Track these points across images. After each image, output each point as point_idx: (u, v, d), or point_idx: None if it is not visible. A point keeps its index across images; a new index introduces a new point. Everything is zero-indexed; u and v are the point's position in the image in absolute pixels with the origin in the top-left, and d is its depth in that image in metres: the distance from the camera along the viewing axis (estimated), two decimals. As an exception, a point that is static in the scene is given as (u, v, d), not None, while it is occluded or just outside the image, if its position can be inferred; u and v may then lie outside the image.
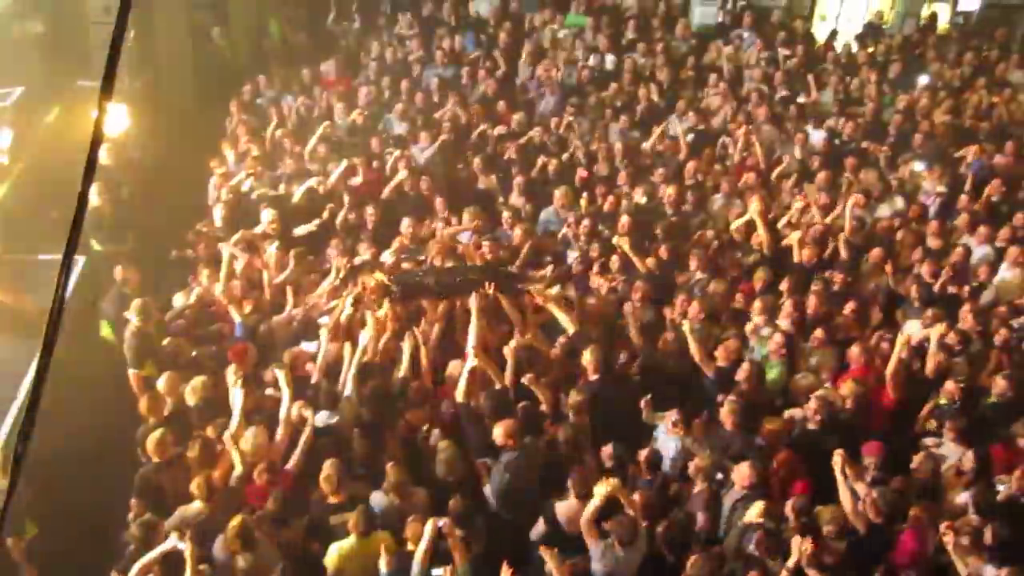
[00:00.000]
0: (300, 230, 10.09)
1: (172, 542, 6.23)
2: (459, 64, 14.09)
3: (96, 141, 2.70)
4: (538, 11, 15.57)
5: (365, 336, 8.07)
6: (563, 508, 6.87)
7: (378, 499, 6.93)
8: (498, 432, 7.12)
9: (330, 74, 13.77)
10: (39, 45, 13.12)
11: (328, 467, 6.86)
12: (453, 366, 8.10)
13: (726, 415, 7.58)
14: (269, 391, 7.80)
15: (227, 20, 15.13)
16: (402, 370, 7.99)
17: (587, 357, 8.04)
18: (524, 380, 7.64)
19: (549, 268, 9.40)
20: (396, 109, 12.78)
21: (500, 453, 7.19)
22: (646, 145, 12.16)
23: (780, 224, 10.40)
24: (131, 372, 8.35)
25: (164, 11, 13.83)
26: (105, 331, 9.29)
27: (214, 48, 14.60)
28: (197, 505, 6.76)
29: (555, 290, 8.89)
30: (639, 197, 10.84)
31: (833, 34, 15.89)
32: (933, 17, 16.80)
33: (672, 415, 7.53)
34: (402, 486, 6.94)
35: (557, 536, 6.75)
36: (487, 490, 7.23)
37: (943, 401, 7.98)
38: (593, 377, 8.02)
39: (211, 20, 14.92)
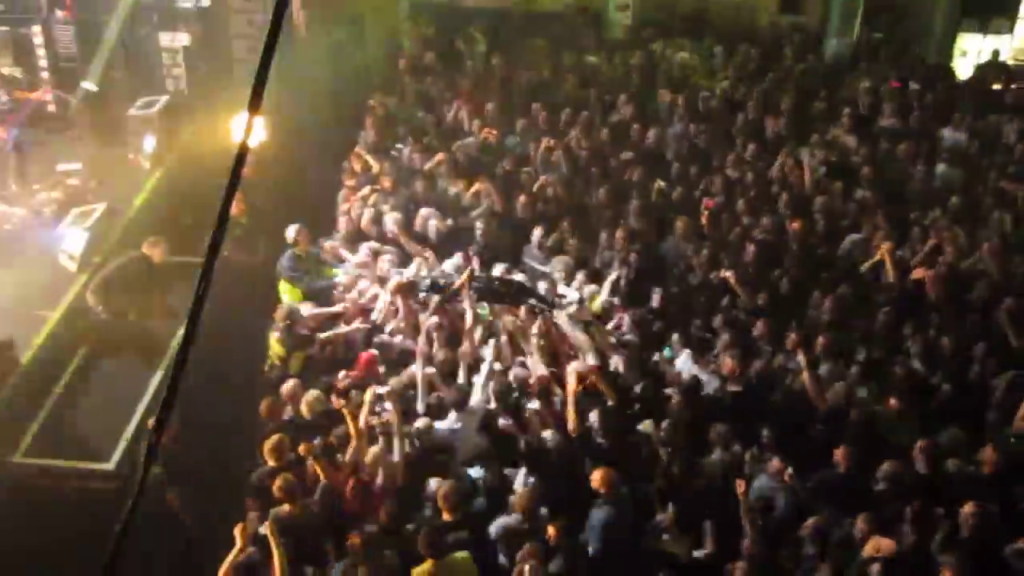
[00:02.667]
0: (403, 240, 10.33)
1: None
2: (589, 87, 14.04)
3: (242, 155, 2.77)
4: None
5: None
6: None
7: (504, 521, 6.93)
8: (596, 477, 7.06)
9: (461, 92, 13.86)
10: (186, 57, 13.67)
11: (447, 485, 6.91)
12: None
13: (841, 457, 7.37)
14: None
15: (363, 37, 15.49)
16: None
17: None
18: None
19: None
20: (522, 128, 12.83)
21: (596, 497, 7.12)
22: (771, 175, 11.92)
23: (913, 262, 10.05)
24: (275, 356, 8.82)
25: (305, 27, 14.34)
26: (283, 289, 9.80)
27: (351, 63, 14.94)
28: (285, 508, 6.90)
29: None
30: (761, 231, 10.64)
31: (976, 70, 15.27)
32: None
33: (775, 462, 7.35)
34: (531, 510, 6.89)
35: None
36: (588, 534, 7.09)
37: None
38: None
39: (349, 37, 15.29)
